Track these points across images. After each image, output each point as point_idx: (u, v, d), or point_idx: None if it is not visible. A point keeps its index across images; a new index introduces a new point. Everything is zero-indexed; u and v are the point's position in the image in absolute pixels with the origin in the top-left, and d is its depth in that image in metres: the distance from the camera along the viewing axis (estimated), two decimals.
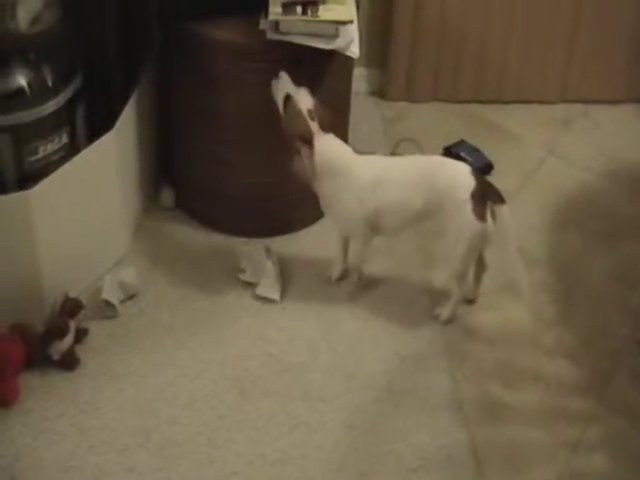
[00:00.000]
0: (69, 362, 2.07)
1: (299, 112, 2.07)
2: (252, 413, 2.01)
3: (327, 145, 2.09)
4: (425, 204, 2.11)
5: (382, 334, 2.21)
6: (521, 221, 2.56)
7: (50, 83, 2.16)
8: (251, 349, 2.16)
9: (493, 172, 2.76)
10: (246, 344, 2.17)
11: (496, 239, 2.09)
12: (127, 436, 1.94)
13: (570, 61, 3.01)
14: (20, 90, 2.11)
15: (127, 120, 2.29)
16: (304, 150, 2.08)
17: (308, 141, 2.07)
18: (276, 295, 2.28)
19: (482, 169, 2.76)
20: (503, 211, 2.07)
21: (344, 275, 2.34)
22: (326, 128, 2.09)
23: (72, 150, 2.22)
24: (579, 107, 3.05)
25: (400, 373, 2.11)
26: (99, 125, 2.23)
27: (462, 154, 2.78)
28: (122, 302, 2.23)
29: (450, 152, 2.79)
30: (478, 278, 2.26)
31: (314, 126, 2.07)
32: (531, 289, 2.33)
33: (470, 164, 2.73)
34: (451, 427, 1.99)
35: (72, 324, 2.08)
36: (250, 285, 2.31)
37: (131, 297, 2.26)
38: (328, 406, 2.03)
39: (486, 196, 2.07)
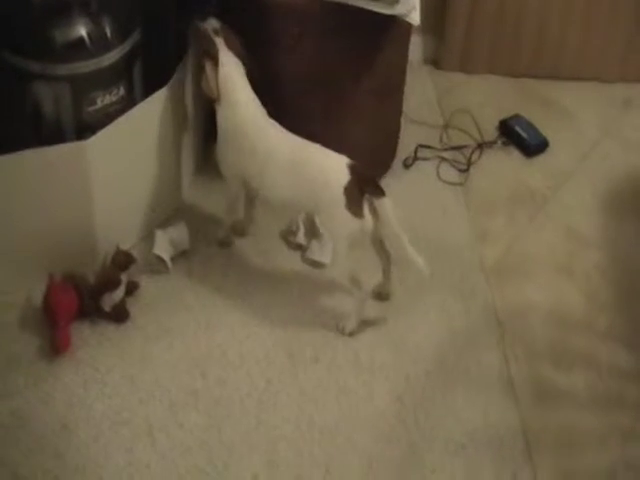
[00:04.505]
0: (120, 315, 2.07)
1: (203, 30, 2.08)
2: (300, 378, 2.00)
3: (233, 64, 2.07)
4: (294, 193, 2.02)
5: (433, 307, 2.19)
6: (575, 202, 2.53)
7: (110, 35, 2.14)
8: (300, 313, 2.14)
9: (547, 150, 2.71)
10: (296, 308, 2.15)
11: (386, 233, 2.01)
12: (176, 393, 1.94)
13: (632, 38, 2.92)
14: (80, 40, 2.09)
15: (182, 77, 2.27)
16: (209, 65, 2.06)
17: (212, 56, 2.06)
18: (326, 258, 2.25)
19: (537, 146, 2.72)
20: (385, 204, 1.94)
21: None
22: (237, 53, 2.08)
23: (129, 103, 2.20)
24: (639, 87, 2.98)
25: (450, 348, 2.10)
26: (155, 81, 2.21)
27: (517, 128, 2.74)
28: (173, 258, 2.22)
29: (506, 126, 2.75)
30: (386, 272, 2.14)
31: (219, 42, 2.07)
32: (585, 271, 2.32)
33: (525, 140, 2.73)
34: (501, 406, 1.97)
35: (123, 277, 2.08)
36: (301, 247, 2.29)
37: (182, 253, 2.24)
38: (377, 376, 2.02)
39: (363, 190, 1.93)
